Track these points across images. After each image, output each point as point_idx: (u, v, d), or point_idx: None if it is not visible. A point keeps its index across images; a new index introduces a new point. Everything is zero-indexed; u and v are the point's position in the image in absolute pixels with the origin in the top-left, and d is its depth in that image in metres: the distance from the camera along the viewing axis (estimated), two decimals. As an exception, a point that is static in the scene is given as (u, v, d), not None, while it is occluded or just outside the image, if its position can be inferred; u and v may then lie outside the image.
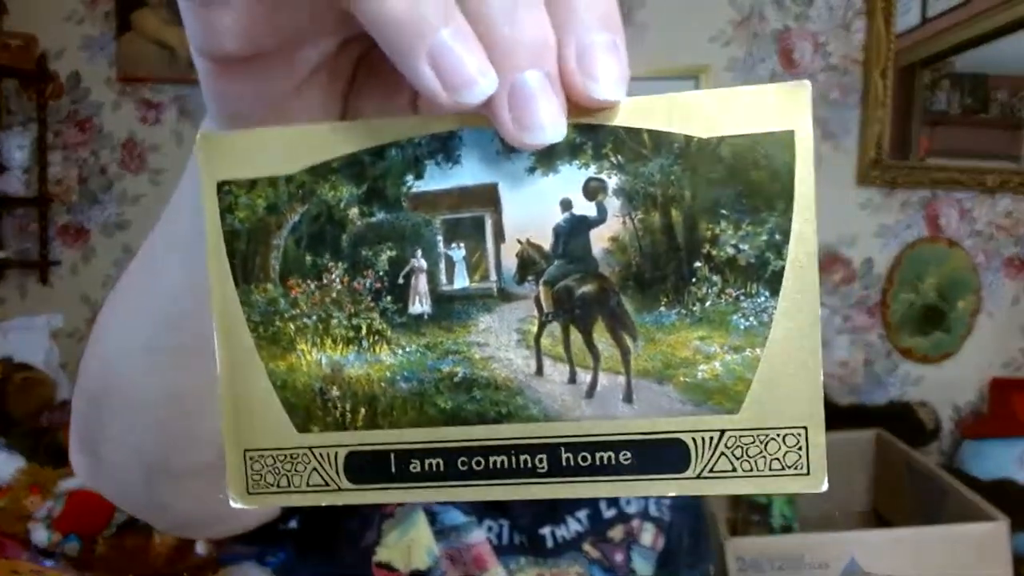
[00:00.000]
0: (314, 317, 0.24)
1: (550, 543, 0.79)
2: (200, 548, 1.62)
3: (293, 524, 0.74)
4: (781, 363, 0.22)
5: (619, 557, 0.81)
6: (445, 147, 0.23)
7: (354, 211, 0.24)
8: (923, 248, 2.22)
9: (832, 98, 2.19)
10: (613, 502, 0.82)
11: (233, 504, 0.26)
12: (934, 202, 2.22)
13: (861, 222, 2.22)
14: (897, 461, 1.68)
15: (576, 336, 0.23)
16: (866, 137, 2.17)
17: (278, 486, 0.25)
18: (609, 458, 0.23)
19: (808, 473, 0.22)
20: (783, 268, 0.22)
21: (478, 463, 0.24)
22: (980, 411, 2.22)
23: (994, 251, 2.24)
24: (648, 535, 0.83)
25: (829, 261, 2.24)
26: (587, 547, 0.80)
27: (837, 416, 2.04)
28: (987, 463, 1.94)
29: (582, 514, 0.81)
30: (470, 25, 0.21)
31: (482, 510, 0.77)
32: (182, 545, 1.62)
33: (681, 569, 0.86)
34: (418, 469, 0.24)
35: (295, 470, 0.25)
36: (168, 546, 1.63)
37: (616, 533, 0.81)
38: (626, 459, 0.23)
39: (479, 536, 0.74)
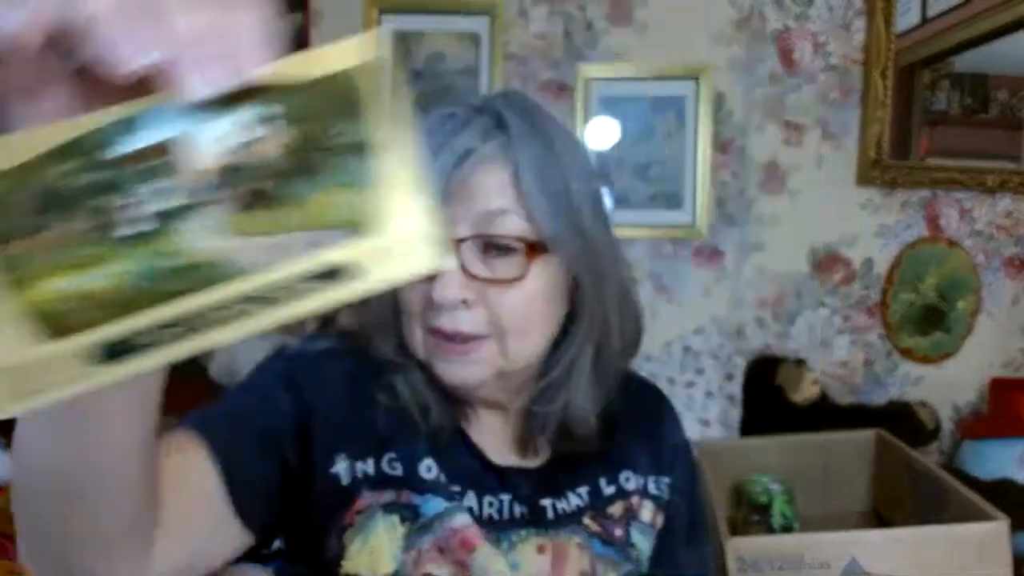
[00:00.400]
0: (56, 256, 0.32)
1: (551, 514, 0.79)
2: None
3: (277, 544, 0.75)
4: (390, 198, 0.33)
5: (619, 532, 0.81)
6: (132, 120, 0.33)
7: (73, 179, 0.32)
8: (923, 248, 2.22)
9: (832, 98, 2.19)
10: (612, 480, 0.83)
11: (3, 413, 0.32)
12: (934, 202, 2.22)
13: (861, 222, 2.22)
14: (897, 461, 1.68)
15: (252, 217, 0.33)
16: (866, 137, 2.17)
17: (40, 390, 0.32)
18: (297, 290, 0.33)
19: (430, 258, 0.33)
20: (374, 141, 0.33)
21: (202, 320, 0.33)
22: (980, 411, 2.22)
23: (994, 251, 2.24)
24: (647, 512, 0.84)
25: (829, 261, 2.24)
26: (587, 521, 0.81)
27: (837, 416, 2.04)
28: (987, 463, 1.94)
29: (582, 489, 0.82)
30: (152, 24, 0.31)
31: (481, 487, 0.78)
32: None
33: (679, 547, 0.87)
34: (160, 339, 0.33)
35: (52, 371, 0.32)
36: (168, 546, 1.62)
37: (616, 509, 0.82)
38: (308, 286, 0.33)
39: (463, 519, 0.75)
